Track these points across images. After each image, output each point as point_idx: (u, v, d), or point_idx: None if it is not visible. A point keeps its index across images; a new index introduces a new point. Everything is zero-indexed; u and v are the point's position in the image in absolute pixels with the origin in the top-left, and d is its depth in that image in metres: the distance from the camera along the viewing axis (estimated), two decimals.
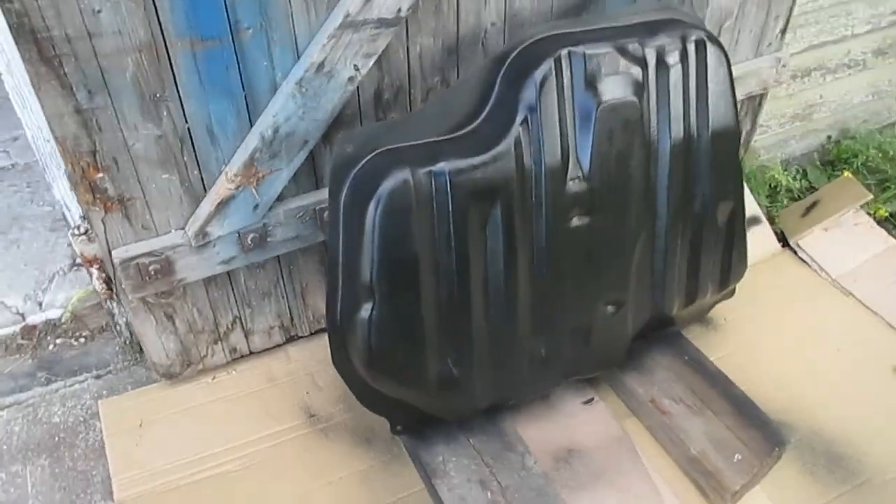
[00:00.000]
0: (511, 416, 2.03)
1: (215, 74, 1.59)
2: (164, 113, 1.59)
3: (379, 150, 1.64)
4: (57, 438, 2.07)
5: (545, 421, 2.08)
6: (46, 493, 1.94)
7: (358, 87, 1.77)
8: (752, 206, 2.72)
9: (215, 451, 1.98)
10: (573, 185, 1.73)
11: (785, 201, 2.88)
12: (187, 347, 2.03)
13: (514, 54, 1.70)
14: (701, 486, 1.92)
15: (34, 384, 2.19)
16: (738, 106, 2.51)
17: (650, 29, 1.78)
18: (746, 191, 2.74)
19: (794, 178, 2.92)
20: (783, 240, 2.70)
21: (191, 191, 1.74)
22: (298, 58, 1.65)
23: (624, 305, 1.93)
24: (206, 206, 1.74)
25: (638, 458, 1.99)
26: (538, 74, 1.65)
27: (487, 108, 1.69)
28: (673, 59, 1.78)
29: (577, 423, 2.08)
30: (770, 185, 2.87)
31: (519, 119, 1.65)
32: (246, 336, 2.11)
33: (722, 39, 2.28)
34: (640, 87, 1.75)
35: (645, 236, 1.89)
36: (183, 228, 1.77)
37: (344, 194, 1.63)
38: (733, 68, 2.36)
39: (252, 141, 1.69)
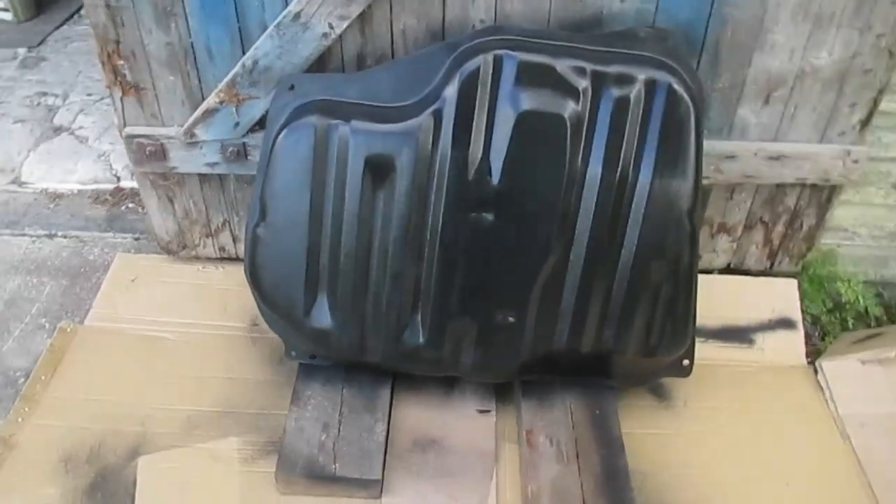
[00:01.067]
0: (400, 389, 2.12)
1: (214, 3, 1.91)
2: (173, 25, 1.96)
3: (318, 99, 1.85)
4: (83, 270, 2.59)
5: (432, 410, 2.12)
6: (50, 303, 2.47)
7: (342, 47, 1.99)
8: (791, 308, 2.43)
9: (168, 319, 2.34)
10: (478, 180, 1.77)
11: (850, 322, 2.51)
12: (183, 231, 2.42)
13: (463, 47, 1.79)
14: None
15: (93, 228, 2.75)
16: (797, 193, 2.30)
17: (611, 58, 1.75)
18: (790, 291, 2.47)
19: (876, 304, 2.53)
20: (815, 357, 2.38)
21: (192, 96, 2.09)
22: (287, 6, 1.91)
23: (521, 323, 1.91)
24: (198, 111, 2.08)
25: (489, 479, 1.96)
26: (465, 69, 1.73)
27: (425, 92, 1.80)
28: (622, 91, 1.74)
29: (459, 425, 2.09)
30: (835, 300, 2.52)
31: (434, 107, 1.75)
32: (234, 240, 2.44)
33: (771, 109, 2.12)
34: (573, 108, 1.73)
35: (556, 261, 1.85)
36: (182, 126, 2.14)
37: (277, 127, 1.86)
38: (784, 145, 2.20)
39: (236, 66, 1.99)
